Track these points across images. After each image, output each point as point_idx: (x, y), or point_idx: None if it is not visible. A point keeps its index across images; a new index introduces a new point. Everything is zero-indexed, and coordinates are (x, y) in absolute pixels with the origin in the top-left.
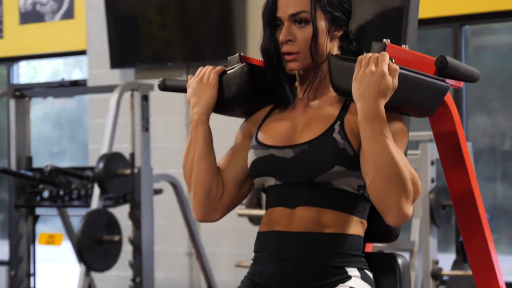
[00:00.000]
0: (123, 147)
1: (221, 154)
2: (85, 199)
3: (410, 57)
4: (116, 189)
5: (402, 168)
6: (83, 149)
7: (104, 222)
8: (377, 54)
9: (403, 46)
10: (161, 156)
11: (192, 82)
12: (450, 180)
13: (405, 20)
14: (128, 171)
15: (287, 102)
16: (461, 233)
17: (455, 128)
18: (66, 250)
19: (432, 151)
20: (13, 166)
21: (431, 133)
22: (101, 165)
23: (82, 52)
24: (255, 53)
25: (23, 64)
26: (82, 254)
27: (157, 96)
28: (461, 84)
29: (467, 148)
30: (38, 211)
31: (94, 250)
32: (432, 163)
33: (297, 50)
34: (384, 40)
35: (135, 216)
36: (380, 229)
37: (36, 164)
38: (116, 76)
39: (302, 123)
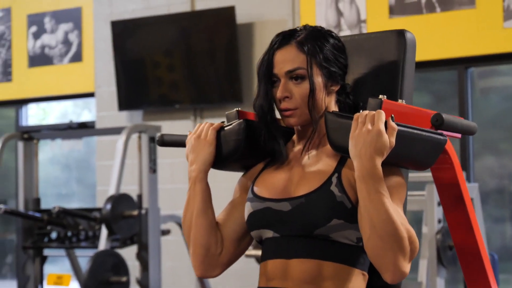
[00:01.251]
0: (131, 189)
1: (223, 204)
2: (93, 240)
3: (407, 111)
4: (124, 230)
5: (398, 226)
6: (91, 191)
7: (111, 263)
8: (373, 112)
9: (400, 101)
10: (168, 197)
11: (190, 138)
12: (452, 228)
13: (401, 74)
14: (135, 212)
15: (280, 157)
16: (465, 278)
17: (456, 178)
18: None
19: None
20: (21, 208)
21: None
22: (108, 206)
23: (91, 95)
24: None
25: (32, 105)
26: None
27: None
28: (459, 135)
29: (469, 196)
30: (46, 252)
31: None
32: (439, 203)
33: (295, 106)
34: (380, 96)
35: (142, 257)
36: (381, 282)
37: (44, 205)
38: (124, 118)
39: (298, 175)
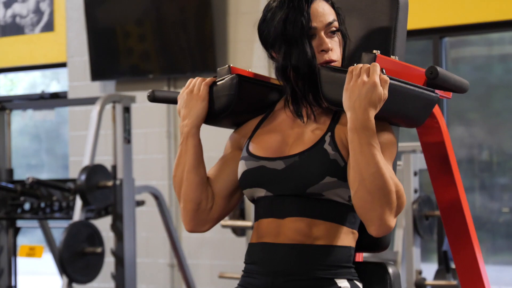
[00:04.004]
0: (103, 159)
1: (213, 163)
2: (67, 211)
3: (399, 68)
4: (98, 201)
5: (387, 179)
6: (61, 162)
7: (86, 234)
8: (368, 65)
9: (392, 57)
10: (142, 167)
11: (182, 94)
12: (438, 191)
13: (393, 34)
14: (110, 183)
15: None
16: (450, 244)
17: (442, 139)
18: (47, 262)
19: (415, 162)
20: None
21: (413, 144)
22: (83, 177)
23: (63, 65)
24: (236, 65)
25: (0, 76)
26: (64, 266)
27: (138, 108)
28: (450, 94)
29: (455, 159)
30: (19, 223)
31: (76, 262)
32: (415, 173)
33: (336, 58)
34: (374, 51)
35: (117, 228)
36: (371, 239)
37: (15, 176)
38: (96, 88)
39: (293, 134)
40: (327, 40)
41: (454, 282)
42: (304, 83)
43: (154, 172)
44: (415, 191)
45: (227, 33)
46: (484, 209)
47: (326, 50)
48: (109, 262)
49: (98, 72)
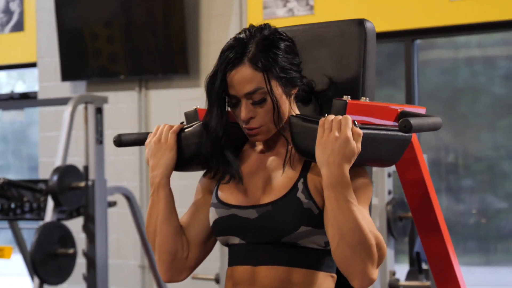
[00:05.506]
0: (73, 160)
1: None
2: (38, 212)
3: (371, 109)
4: (70, 202)
5: (367, 234)
6: (27, 163)
7: (58, 235)
8: (340, 117)
9: (363, 98)
10: (114, 168)
11: (149, 143)
12: (420, 226)
13: (362, 67)
14: (82, 184)
15: (232, 177)
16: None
17: (420, 171)
18: (16, 263)
19: None
20: None
21: None
22: (55, 178)
23: (32, 65)
24: (208, 67)
25: None
26: (36, 267)
27: (109, 109)
28: None
29: (434, 191)
30: None
31: (48, 263)
32: (389, 175)
33: (260, 124)
34: (344, 97)
35: (89, 229)
36: (348, 283)
37: None
38: (67, 89)
39: (263, 180)
40: (245, 110)
41: (427, 283)
42: (220, 144)
43: (125, 173)
44: (389, 193)
45: (199, 35)
46: (449, 211)
47: (243, 120)
48: (80, 263)
49: (68, 73)
